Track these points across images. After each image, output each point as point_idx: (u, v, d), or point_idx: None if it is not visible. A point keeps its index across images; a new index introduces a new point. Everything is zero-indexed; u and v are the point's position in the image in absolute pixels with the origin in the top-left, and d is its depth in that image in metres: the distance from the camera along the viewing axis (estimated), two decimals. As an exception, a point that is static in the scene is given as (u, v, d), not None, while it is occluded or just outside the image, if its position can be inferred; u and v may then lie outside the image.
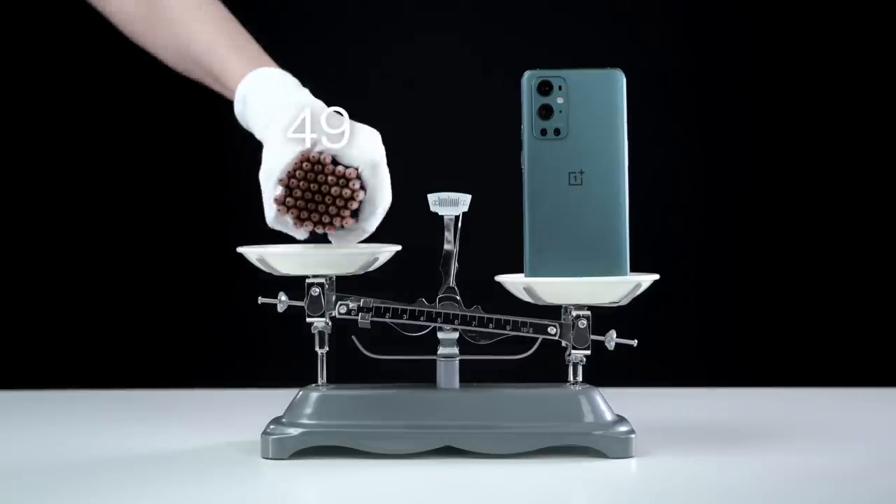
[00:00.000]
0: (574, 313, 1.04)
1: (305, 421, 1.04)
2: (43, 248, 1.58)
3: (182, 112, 1.54)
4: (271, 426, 1.05)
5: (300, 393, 1.06)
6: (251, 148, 1.52)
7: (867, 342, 1.56)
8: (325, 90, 1.53)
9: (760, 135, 1.58)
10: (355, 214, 1.06)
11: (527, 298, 1.04)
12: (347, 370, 1.09)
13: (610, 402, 1.05)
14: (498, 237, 1.19)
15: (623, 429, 1.04)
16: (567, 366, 1.06)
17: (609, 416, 1.04)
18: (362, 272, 1.05)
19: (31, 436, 1.19)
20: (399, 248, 1.07)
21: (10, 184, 1.59)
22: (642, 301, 1.05)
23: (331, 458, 1.03)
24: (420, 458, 1.03)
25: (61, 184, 1.58)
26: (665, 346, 1.54)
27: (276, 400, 1.09)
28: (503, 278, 1.05)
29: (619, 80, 1.04)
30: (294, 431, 1.04)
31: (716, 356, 1.57)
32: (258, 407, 1.14)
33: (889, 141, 1.57)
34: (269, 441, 1.04)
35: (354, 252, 1.04)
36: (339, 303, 1.05)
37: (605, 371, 1.10)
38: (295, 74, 1.37)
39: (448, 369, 1.06)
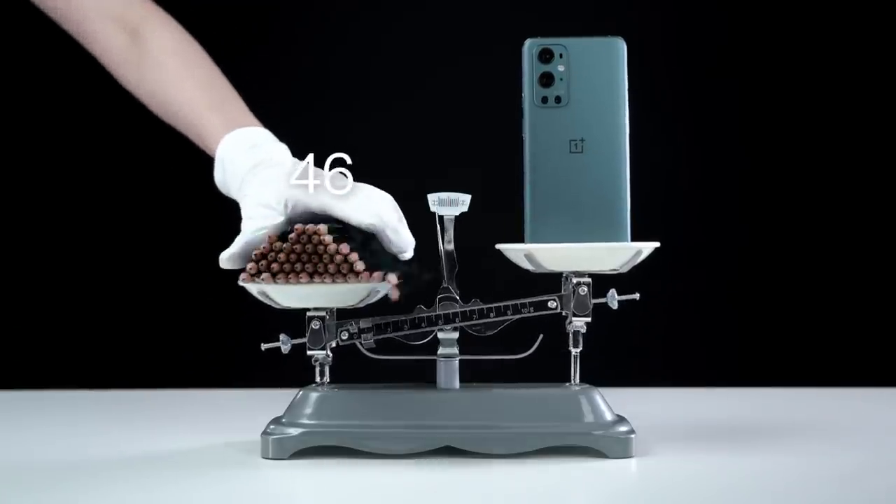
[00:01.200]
0: (574, 280, 1.04)
1: (305, 421, 1.04)
2: (43, 249, 1.58)
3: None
4: (271, 426, 1.05)
5: (300, 393, 1.06)
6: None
7: (867, 342, 1.56)
8: (326, 89, 1.53)
9: (761, 135, 1.58)
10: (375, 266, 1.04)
11: (527, 266, 1.04)
12: (347, 370, 1.09)
13: (610, 402, 1.05)
14: (498, 237, 1.19)
15: (623, 429, 1.04)
16: (567, 335, 1.05)
17: (609, 416, 1.04)
18: (362, 305, 1.05)
19: (31, 436, 1.19)
20: (399, 280, 1.06)
21: (12, 184, 1.59)
22: (642, 301, 1.05)
23: (331, 458, 1.03)
24: (420, 458, 1.03)
25: (63, 185, 1.58)
26: (665, 346, 1.54)
27: (276, 400, 1.09)
28: (504, 246, 1.04)
29: (620, 49, 1.04)
30: (294, 431, 1.04)
31: (715, 356, 1.57)
32: (258, 407, 1.14)
33: (889, 141, 1.57)
34: (269, 441, 1.04)
35: (355, 287, 1.03)
36: (341, 329, 1.05)
37: (605, 371, 1.10)
38: (295, 74, 1.37)
39: (448, 369, 1.06)
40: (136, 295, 1.58)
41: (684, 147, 1.56)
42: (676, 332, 1.55)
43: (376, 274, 1.02)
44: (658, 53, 1.53)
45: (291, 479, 0.99)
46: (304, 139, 1.15)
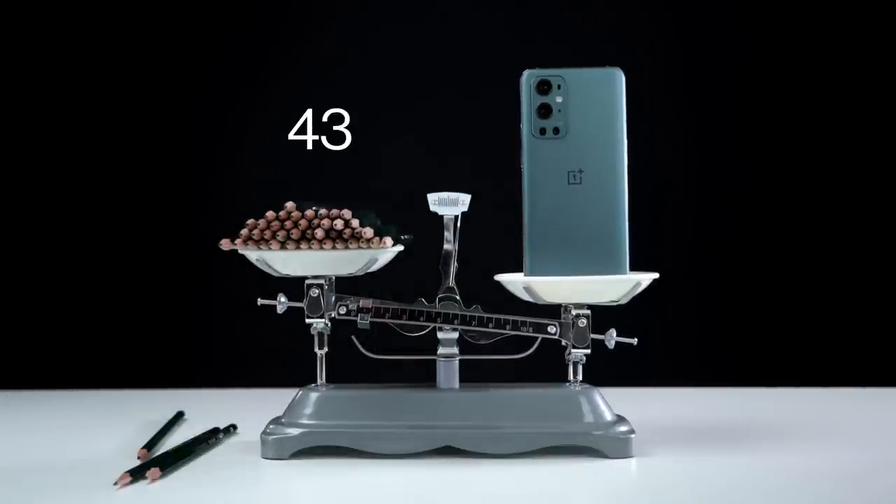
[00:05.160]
0: (574, 312, 1.04)
1: (305, 421, 1.04)
2: (43, 249, 1.58)
3: (181, 112, 1.55)
4: (271, 426, 1.05)
5: (300, 393, 1.06)
6: (251, 147, 1.53)
7: (867, 342, 1.56)
8: (326, 90, 1.53)
9: (760, 136, 1.58)
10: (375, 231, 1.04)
11: (527, 297, 1.04)
12: (347, 370, 1.09)
13: (610, 402, 1.05)
14: (498, 238, 1.19)
15: (623, 429, 1.04)
16: (567, 365, 1.06)
17: (609, 416, 1.04)
18: (362, 273, 1.05)
19: (30, 435, 1.19)
20: (401, 248, 1.06)
21: (12, 185, 1.59)
22: (642, 301, 1.05)
23: (331, 458, 1.03)
24: (420, 458, 1.03)
25: (63, 187, 1.58)
26: (665, 346, 1.54)
27: (276, 400, 1.09)
28: (503, 278, 1.05)
29: (618, 79, 1.04)
30: (294, 431, 1.04)
31: (715, 356, 1.57)
32: (258, 407, 1.14)
33: (888, 142, 1.57)
34: (268, 441, 1.04)
35: (354, 253, 1.04)
36: (339, 304, 1.05)
37: (605, 371, 1.10)
38: (295, 75, 1.36)
39: (448, 369, 1.06)
40: (137, 296, 1.58)
41: (684, 147, 1.56)
42: (676, 332, 1.55)
43: (386, 239, 1.03)
44: (659, 82, 1.53)
45: (291, 479, 0.99)
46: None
